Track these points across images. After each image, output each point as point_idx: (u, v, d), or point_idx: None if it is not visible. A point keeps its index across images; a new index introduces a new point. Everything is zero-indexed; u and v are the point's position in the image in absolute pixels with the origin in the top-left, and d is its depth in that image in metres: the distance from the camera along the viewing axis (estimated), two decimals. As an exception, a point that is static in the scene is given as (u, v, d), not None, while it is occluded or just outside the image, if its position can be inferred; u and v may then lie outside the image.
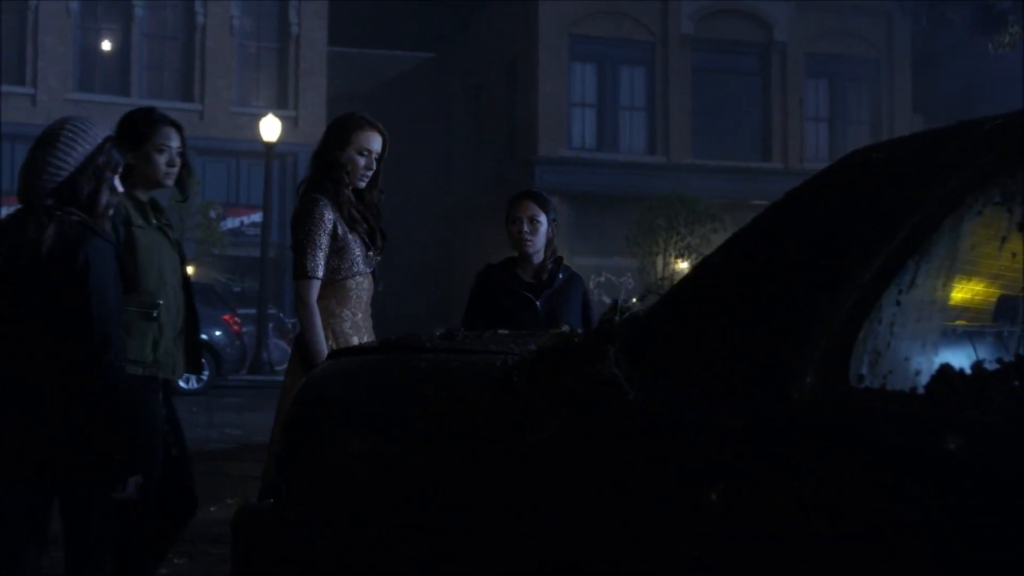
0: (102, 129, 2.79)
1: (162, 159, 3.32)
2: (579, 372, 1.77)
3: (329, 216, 3.42)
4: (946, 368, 1.43)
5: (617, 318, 1.86)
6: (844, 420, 1.48)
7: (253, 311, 19.58)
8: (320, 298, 3.43)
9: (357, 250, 3.49)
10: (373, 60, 29.89)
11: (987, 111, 1.82)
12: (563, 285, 4.00)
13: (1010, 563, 1.27)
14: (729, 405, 1.59)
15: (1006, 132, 1.63)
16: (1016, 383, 1.37)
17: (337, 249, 3.45)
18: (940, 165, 1.63)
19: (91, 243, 2.64)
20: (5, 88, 21.92)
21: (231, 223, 23.36)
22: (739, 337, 1.66)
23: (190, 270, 3.86)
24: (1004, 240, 1.57)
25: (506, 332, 2.62)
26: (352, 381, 2.34)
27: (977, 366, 1.42)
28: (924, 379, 1.47)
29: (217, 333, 15.04)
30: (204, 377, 14.21)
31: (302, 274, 3.40)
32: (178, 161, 3.37)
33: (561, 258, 4.07)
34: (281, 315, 21.47)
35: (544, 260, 4.00)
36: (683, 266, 20.05)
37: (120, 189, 2.83)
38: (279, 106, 23.57)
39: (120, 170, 2.80)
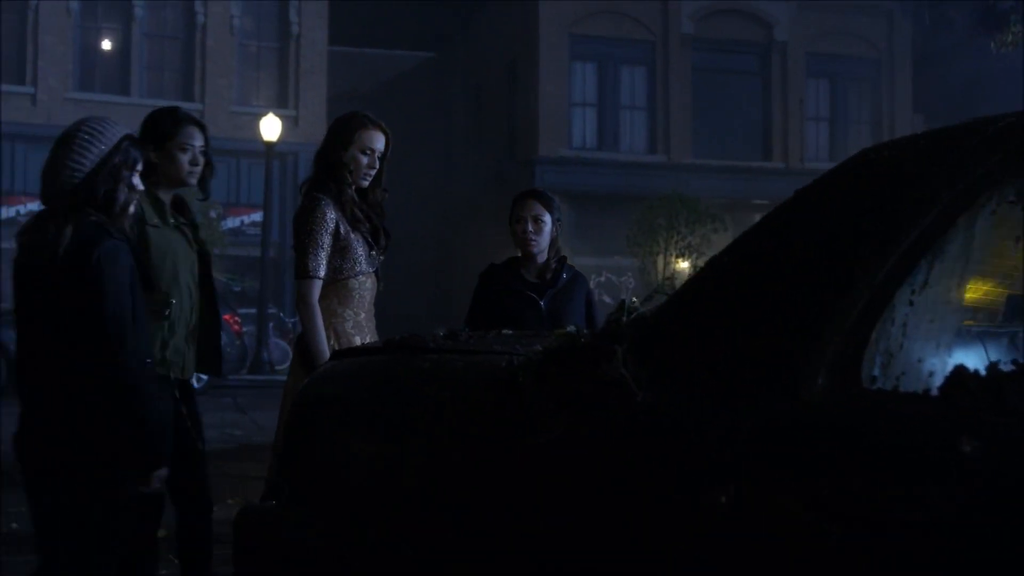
0: (120, 128, 2.81)
1: (185, 158, 3.33)
2: (586, 373, 1.75)
3: (331, 216, 3.41)
4: (960, 369, 1.41)
5: (625, 318, 1.84)
6: (856, 422, 1.45)
7: (253, 311, 19.58)
8: (322, 298, 3.41)
9: (360, 250, 3.47)
10: (373, 60, 29.89)
11: (988, 111, 1.80)
12: (567, 285, 3.98)
13: (1027, 567, 1.25)
14: (739, 406, 1.57)
15: (1019, 130, 1.61)
16: (1032, 384, 1.35)
17: (340, 249, 3.43)
18: (953, 163, 1.60)
19: (104, 243, 2.66)
20: (5, 88, 21.89)
21: (231, 223, 23.33)
22: (749, 338, 1.63)
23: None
24: (1019, 239, 1.55)
25: (510, 332, 2.60)
26: (355, 381, 2.32)
27: (992, 367, 1.40)
28: (938, 380, 1.45)
29: (217, 333, 15.02)
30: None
31: (304, 274, 3.39)
32: (201, 160, 3.38)
33: (565, 257, 4.05)
34: (281, 315, 21.46)
35: (548, 260, 3.98)
36: (683, 266, 20.04)
37: (140, 187, 2.84)
38: (279, 106, 23.56)
39: (139, 168, 2.82)
